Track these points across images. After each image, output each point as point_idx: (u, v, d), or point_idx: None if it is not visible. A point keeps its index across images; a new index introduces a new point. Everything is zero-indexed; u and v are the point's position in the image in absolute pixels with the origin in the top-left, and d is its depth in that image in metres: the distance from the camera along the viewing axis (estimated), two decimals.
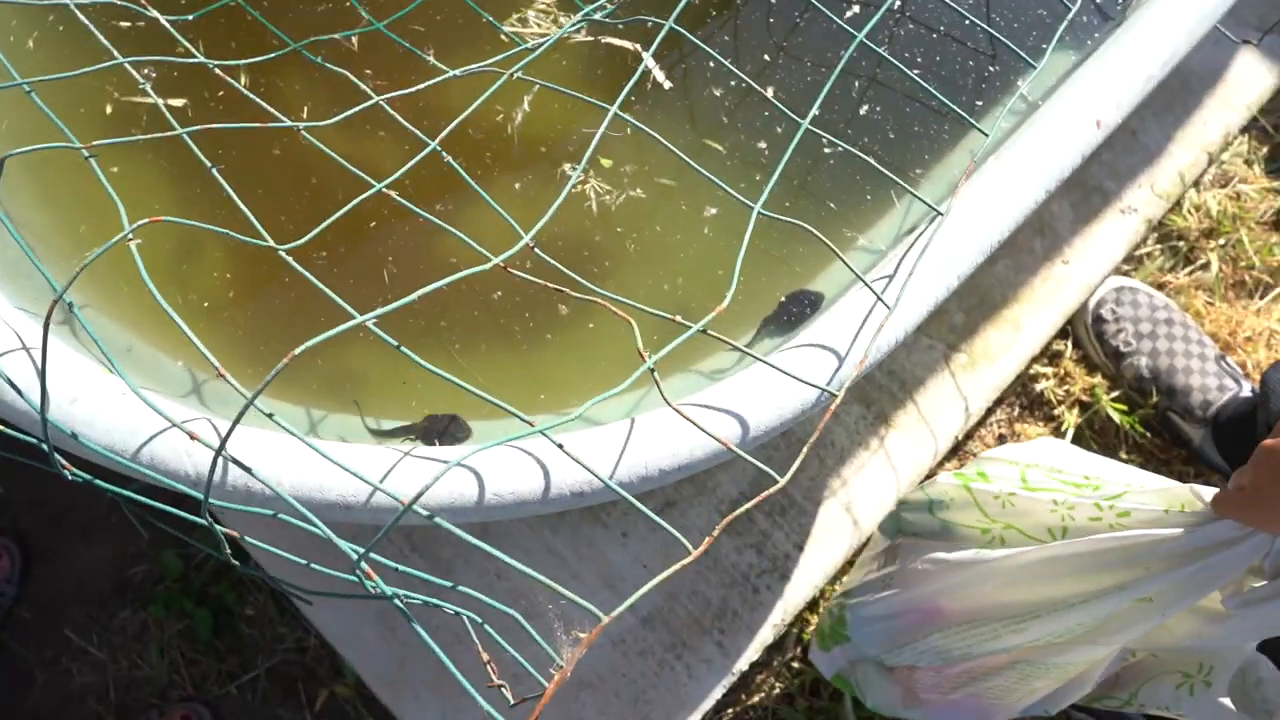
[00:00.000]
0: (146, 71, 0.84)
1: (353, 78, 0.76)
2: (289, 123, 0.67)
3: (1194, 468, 1.19)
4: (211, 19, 0.81)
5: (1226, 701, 0.72)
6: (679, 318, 0.60)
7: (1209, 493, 0.67)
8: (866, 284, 0.64)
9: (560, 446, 0.56)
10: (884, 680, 0.94)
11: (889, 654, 0.90)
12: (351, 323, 0.48)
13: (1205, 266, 1.27)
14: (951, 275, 0.69)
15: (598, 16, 0.77)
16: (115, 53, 0.66)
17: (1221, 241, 1.27)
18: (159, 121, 0.78)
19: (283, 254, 0.58)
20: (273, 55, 0.78)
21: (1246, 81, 1.28)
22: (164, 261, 0.80)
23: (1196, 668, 0.73)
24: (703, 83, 0.85)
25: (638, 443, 0.63)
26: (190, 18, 0.77)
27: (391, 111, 0.72)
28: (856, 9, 0.88)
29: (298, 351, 0.44)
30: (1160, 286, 1.26)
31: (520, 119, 0.84)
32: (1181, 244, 1.27)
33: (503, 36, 0.82)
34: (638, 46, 0.83)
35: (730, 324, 0.78)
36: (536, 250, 0.61)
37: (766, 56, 0.87)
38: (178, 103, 0.83)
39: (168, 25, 0.72)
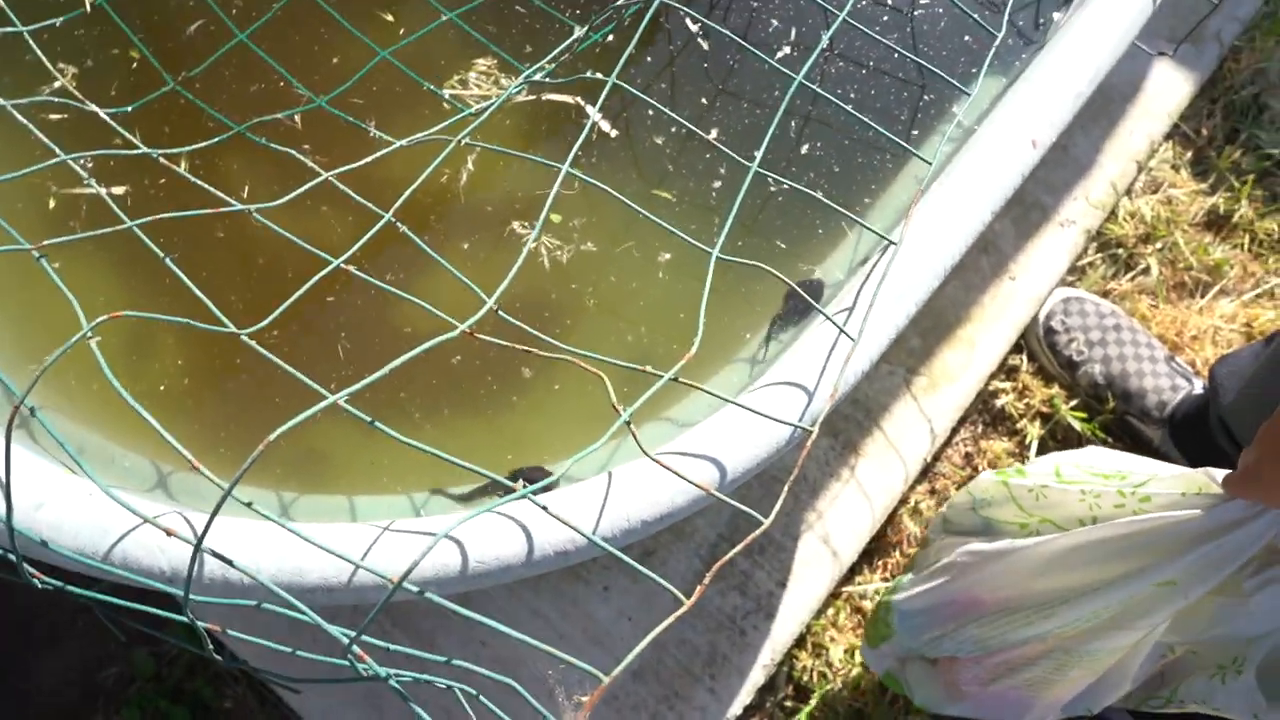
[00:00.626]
0: (84, 161, 0.83)
1: (299, 156, 0.76)
2: (239, 206, 0.67)
3: None
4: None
5: (1254, 689, 0.73)
6: (649, 368, 0.60)
7: (1222, 474, 0.69)
8: (829, 318, 0.64)
9: (545, 509, 0.55)
10: (929, 675, 0.94)
11: (930, 646, 0.91)
12: (324, 403, 0.48)
13: (1146, 271, 1.30)
14: (910, 302, 0.70)
15: (538, 78, 0.78)
16: (58, 150, 0.65)
17: (1158, 245, 1.31)
18: (100, 211, 0.77)
19: (245, 339, 0.57)
20: (216, 140, 0.77)
21: (1165, 91, 1.33)
22: (115, 353, 0.79)
23: (1230, 659, 0.75)
24: (645, 131, 0.86)
25: (618, 496, 0.63)
26: (129, 109, 0.77)
27: (342, 187, 0.72)
28: (788, 49, 0.90)
29: (272, 437, 0.43)
30: (1105, 294, 1.29)
31: (465, 180, 0.84)
32: (1121, 251, 1.31)
33: (444, 104, 0.83)
34: (579, 100, 0.84)
35: (698, 366, 0.78)
36: (500, 313, 0.61)
37: (704, 100, 0.89)
38: (119, 190, 0.82)
39: (107, 119, 0.72)
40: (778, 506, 0.57)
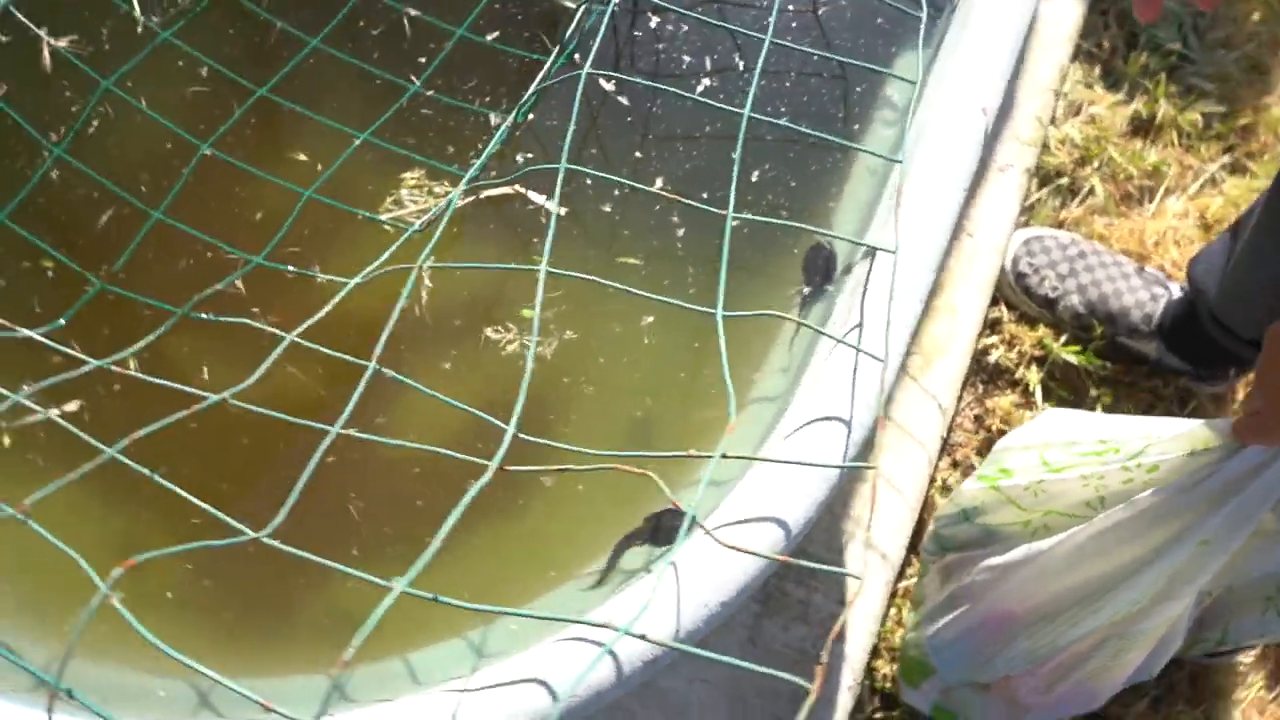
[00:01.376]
0: (25, 388, 0.77)
1: (252, 323, 0.72)
2: (213, 397, 0.62)
3: (1161, 379, 1.22)
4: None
5: None
6: (693, 451, 0.57)
7: (1224, 424, 0.67)
8: (858, 349, 0.62)
9: (644, 637, 0.52)
10: (983, 699, 0.92)
11: (980, 671, 0.88)
12: (389, 599, 0.44)
13: (1091, 192, 1.31)
14: (915, 303, 0.68)
15: (476, 175, 0.75)
16: (5, 392, 0.61)
17: (1095, 165, 1.32)
18: (60, 434, 0.72)
19: (266, 540, 0.53)
20: (161, 330, 0.73)
21: (1058, 18, 1.34)
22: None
23: (1275, 589, 0.74)
24: (590, 202, 0.83)
25: (690, 588, 0.59)
26: (62, 322, 0.72)
27: (309, 344, 0.68)
28: (707, 80, 0.89)
29: (348, 656, 0.39)
30: (1060, 224, 1.29)
31: (426, 299, 0.80)
32: (1063, 180, 1.31)
33: (387, 228, 0.79)
34: (518, 187, 0.81)
35: (719, 422, 0.75)
36: (522, 436, 0.57)
37: (638, 154, 0.86)
38: (72, 407, 0.77)
39: (44, 340, 0.67)
40: (861, 556, 0.54)
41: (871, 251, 0.71)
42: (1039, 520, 0.80)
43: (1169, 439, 0.70)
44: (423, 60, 0.88)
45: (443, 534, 0.48)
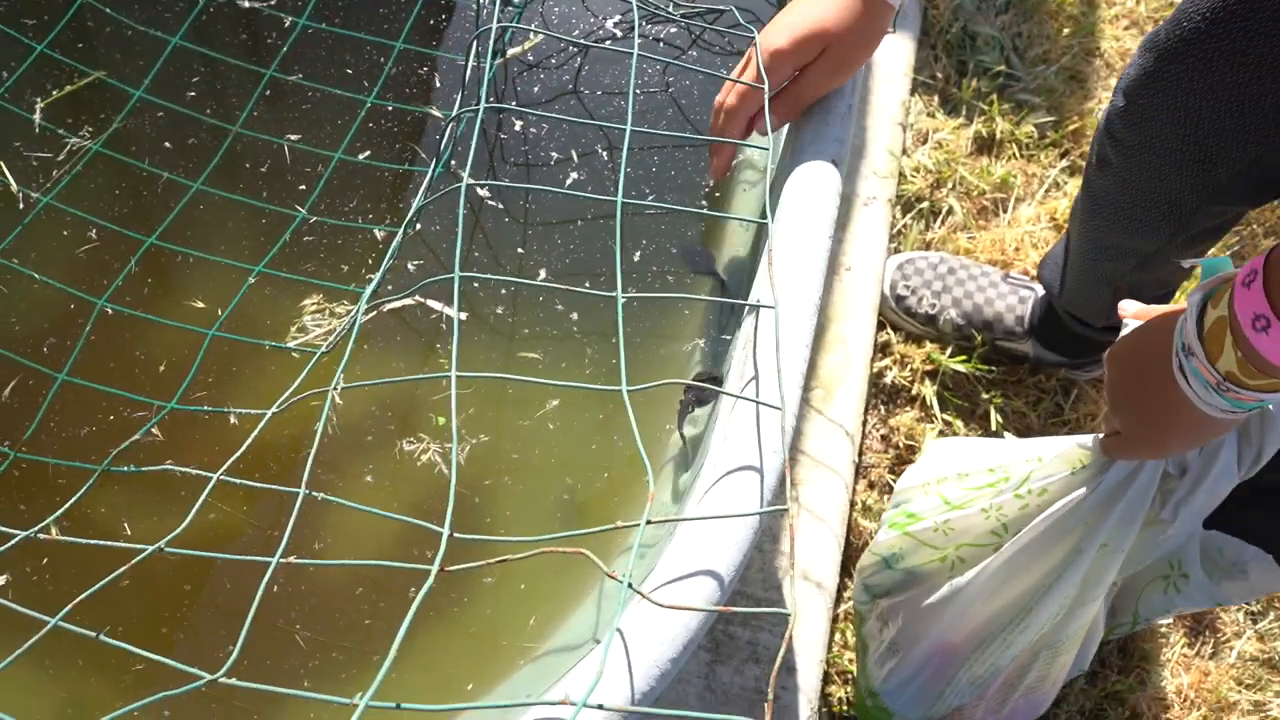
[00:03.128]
0: None
1: (174, 469, 0.73)
2: (147, 549, 0.63)
3: (1043, 374, 1.30)
4: None
5: (1206, 581, 0.79)
6: (619, 522, 0.60)
7: (1095, 442, 0.75)
8: (757, 401, 0.66)
9: (601, 706, 0.55)
10: None
11: (934, 707, 0.93)
12: (356, 716, 0.46)
13: (950, 212, 1.40)
14: (801, 347, 0.73)
15: (381, 298, 0.78)
16: None
17: (950, 186, 1.41)
18: None
19: (224, 681, 0.54)
20: (82, 491, 0.74)
21: (892, 57, 1.44)
22: None
23: (1169, 567, 0.80)
24: (485, 304, 0.87)
25: (639, 651, 0.62)
26: None
27: (238, 481, 0.69)
28: (575, 175, 0.94)
29: None
30: (927, 246, 1.38)
31: (337, 418, 0.82)
32: (924, 204, 1.40)
33: (294, 354, 0.81)
34: (419, 298, 0.84)
35: (639, 488, 0.79)
36: (456, 535, 0.60)
37: (520, 250, 0.90)
38: None
39: None
40: (790, 591, 0.58)
41: (755, 308, 0.76)
42: (953, 554, 0.86)
43: (1049, 461, 0.77)
44: (303, 188, 0.91)
45: (398, 643, 0.50)
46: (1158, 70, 0.83)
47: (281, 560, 0.60)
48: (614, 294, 0.70)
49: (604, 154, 0.94)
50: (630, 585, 0.57)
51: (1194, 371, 0.60)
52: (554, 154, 0.94)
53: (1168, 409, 0.64)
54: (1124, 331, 0.70)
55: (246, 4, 1.01)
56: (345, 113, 0.95)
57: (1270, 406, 0.61)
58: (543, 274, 0.88)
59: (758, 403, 0.69)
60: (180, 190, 0.89)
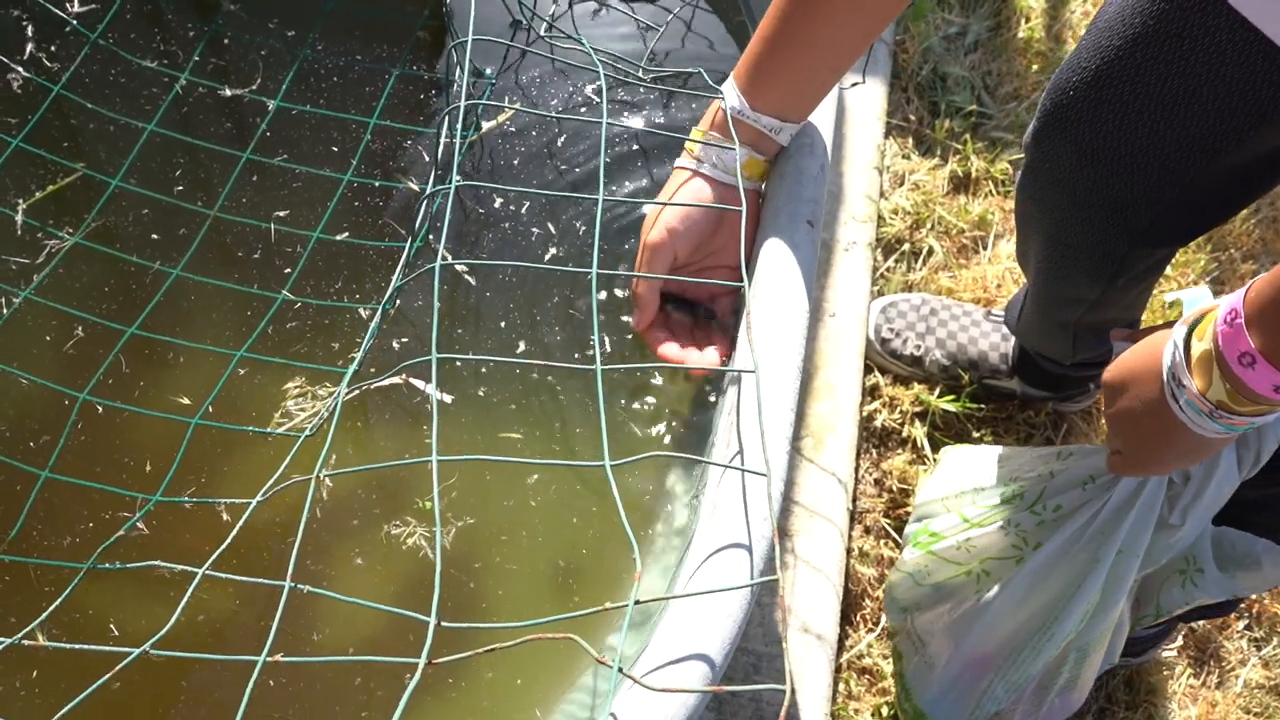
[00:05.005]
0: None
1: (161, 564, 0.73)
2: (135, 651, 0.63)
3: (1031, 409, 1.30)
4: None
5: (1220, 574, 0.81)
6: (607, 604, 0.60)
7: (1099, 457, 0.79)
8: (742, 469, 0.66)
9: None
10: None
11: (974, 715, 0.95)
12: None
13: (930, 253, 1.41)
14: (787, 410, 0.73)
15: (364, 381, 0.78)
16: None
17: (929, 227, 1.42)
18: None
19: None
20: (69, 590, 0.73)
21: (865, 103, 1.46)
22: None
23: (1185, 563, 0.83)
24: (466, 384, 0.87)
25: None
26: None
27: (223, 575, 0.69)
28: (554, 250, 0.94)
29: None
30: (910, 288, 1.39)
31: (326, 500, 0.82)
32: (904, 246, 1.41)
33: (281, 437, 0.81)
34: (405, 377, 0.84)
35: (626, 566, 0.79)
36: (443, 624, 0.60)
37: (504, 323, 0.90)
38: None
39: None
40: (789, 666, 0.58)
41: (737, 376, 0.76)
42: (978, 568, 0.90)
43: (1062, 478, 0.82)
44: (289, 270, 0.91)
45: None
46: (1048, 133, 0.85)
47: (268, 659, 0.60)
48: (592, 368, 0.70)
49: (580, 227, 0.94)
50: (620, 670, 0.56)
51: (1187, 402, 0.62)
52: (534, 229, 0.95)
53: (1164, 431, 0.66)
54: (1115, 353, 0.71)
55: (229, 92, 1.02)
56: (333, 192, 0.96)
57: (1273, 418, 0.64)
58: (522, 347, 0.88)
59: (743, 470, 0.69)
60: (167, 282, 0.89)
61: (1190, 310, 0.64)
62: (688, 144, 0.77)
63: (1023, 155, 0.90)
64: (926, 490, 0.95)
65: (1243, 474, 0.74)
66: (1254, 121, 0.74)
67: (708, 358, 0.78)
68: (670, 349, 0.78)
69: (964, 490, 0.91)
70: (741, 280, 0.75)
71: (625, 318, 0.90)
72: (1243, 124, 0.74)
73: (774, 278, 0.79)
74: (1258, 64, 0.70)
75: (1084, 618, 0.84)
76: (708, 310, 0.81)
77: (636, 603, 0.59)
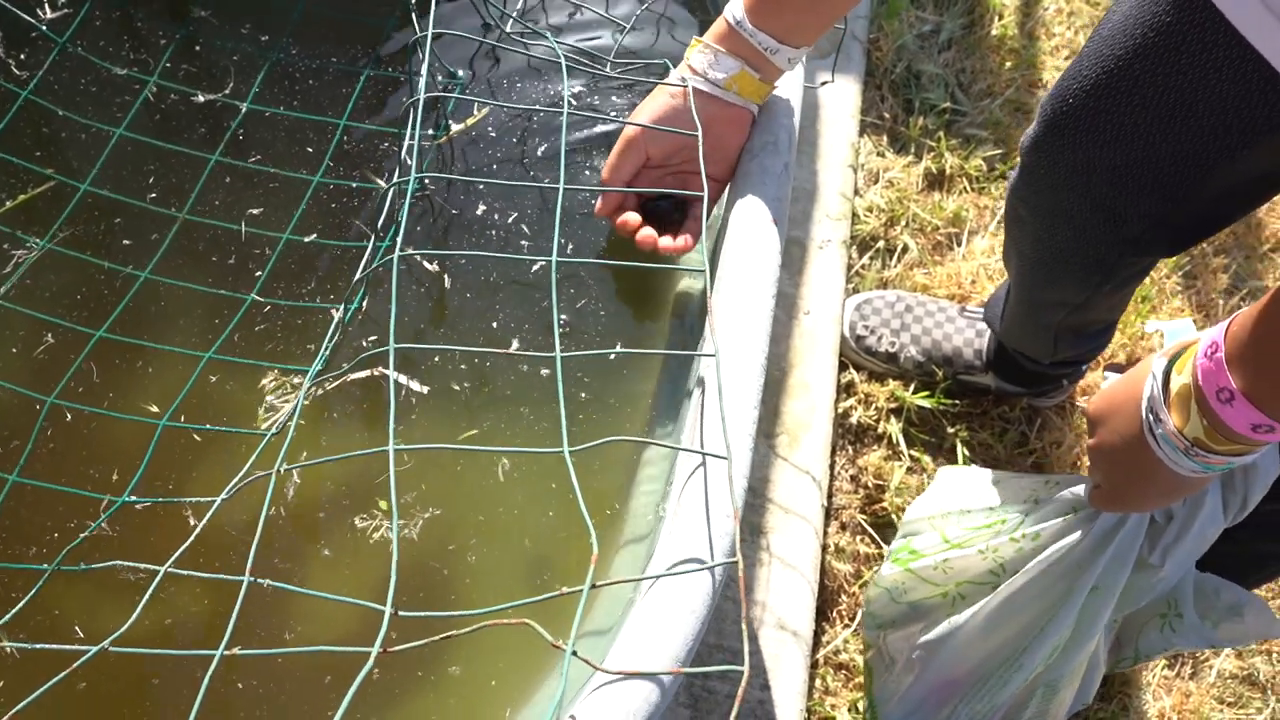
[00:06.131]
0: None
1: (124, 564, 0.73)
2: (92, 649, 0.63)
3: (1006, 404, 1.31)
4: None
5: (1199, 623, 0.80)
6: (563, 589, 0.60)
7: (1082, 489, 0.78)
8: (703, 453, 0.67)
9: None
10: None
11: None
12: None
13: (905, 250, 1.42)
14: (751, 393, 0.74)
15: (329, 374, 0.78)
16: None
17: (903, 224, 1.43)
18: None
19: None
20: (33, 592, 0.73)
21: (839, 101, 1.47)
22: None
23: (1166, 606, 0.82)
24: (447, 375, 0.87)
25: None
26: None
27: (184, 572, 0.69)
28: (526, 244, 0.95)
29: None
30: (884, 285, 1.40)
31: (291, 495, 0.82)
32: (879, 244, 1.42)
33: (250, 437, 0.82)
34: (382, 370, 0.85)
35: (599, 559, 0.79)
36: (401, 614, 0.60)
37: (476, 319, 0.90)
38: None
39: None
40: (746, 646, 0.58)
41: (703, 361, 0.77)
42: (954, 591, 0.89)
43: (1044, 508, 0.81)
44: (259, 273, 0.92)
45: None
46: (1048, 140, 0.85)
47: (225, 652, 0.60)
48: (552, 354, 0.70)
49: (563, 241, 0.95)
50: (575, 654, 0.56)
51: (1164, 437, 0.61)
52: (509, 223, 0.95)
53: (1143, 469, 0.65)
54: (1104, 385, 0.71)
55: (202, 98, 1.02)
56: (311, 193, 0.97)
57: (1251, 459, 0.63)
58: (481, 341, 0.88)
59: (704, 454, 0.69)
60: (144, 286, 0.90)
61: (1171, 342, 0.63)
62: (686, 54, 0.82)
63: (1018, 157, 0.91)
64: (916, 508, 0.94)
65: (1228, 519, 0.73)
66: (1248, 139, 0.74)
67: (675, 243, 0.83)
68: (632, 216, 0.84)
69: (950, 511, 0.90)
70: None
71: (601, 312, 0.90)
72: (1237, 141, 0.74)
73: (738, 269, 0.79)
74: (1253, 82, 0.70)
75: (1054, 652, 0.82)
76: (682, 213, 0.86)
77: (593, 586, 0.60)
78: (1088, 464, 0.76)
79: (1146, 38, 0.74)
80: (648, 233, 0.83)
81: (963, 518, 0.88)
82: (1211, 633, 0.81)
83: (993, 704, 0.88)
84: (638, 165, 0.83)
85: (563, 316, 0.89)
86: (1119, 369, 0.70)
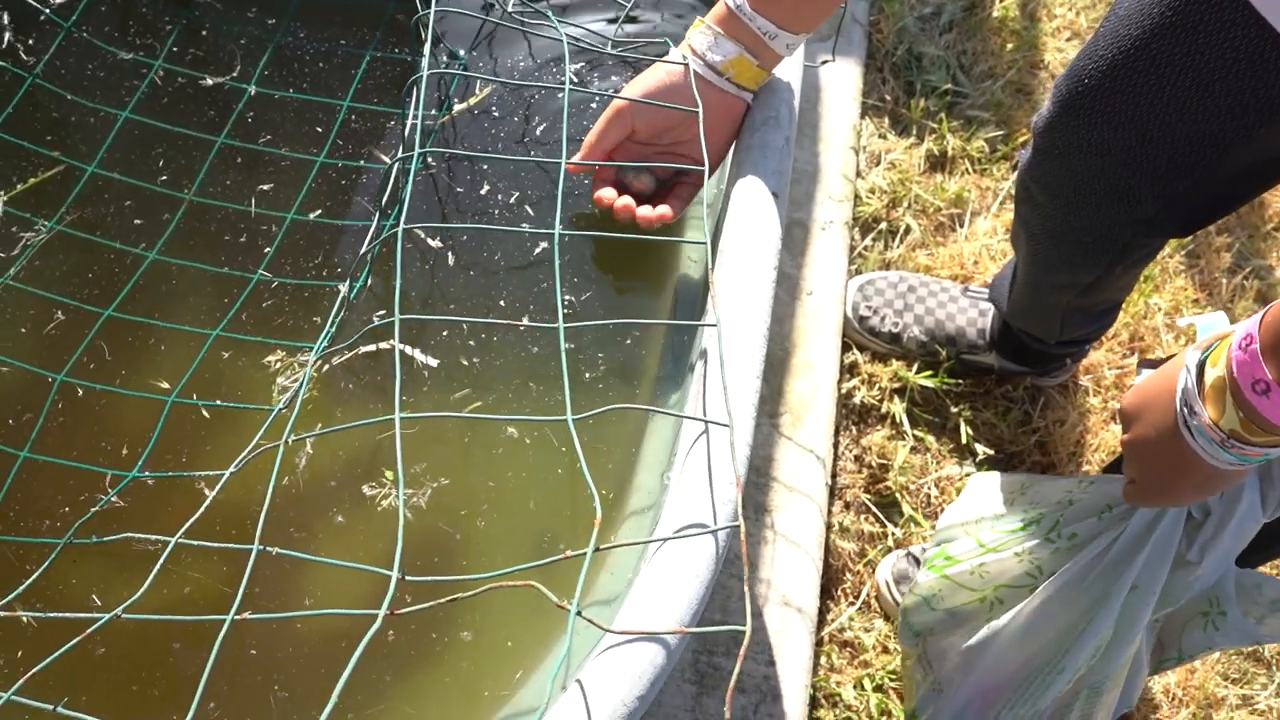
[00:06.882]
0: None
1: (135, 535, 0.74)
2: (106, 617, 0.64)
3: (1009, 383, 1.32)
4: None
5: (1242, 619, 0.80)
6: (567, 552, 0.61)
7: (1118, 486, 0.77)
8: (705, 420, 0.68)
9: None
10: None
11: None
12: None
13: (908, 231, 1.42)
14: (754, 362, 0.74)
15: (328, 345, 0.79)
16: None
17: (906, 205, 1.44)
18: None
19: None
20: (46, 565, 0.74)
21: (840, 83, 1.47)
22: None
23: (1207, 604, 0.81)
24: (456, 350, 0.88)
25: (602, 692, 0.63)
26: None
27: (195, 543, 0.70)
28: (527, 226, 0.95)
29: None
30: (887, 265, 1.40)
31: (304, 466, 0.83)
32: (881, 225, 1.42)
33: (262, 411, 0.83)
34: (395, 343, 0.86)
35: (607, 525, 0.80)
36: (408, 578, 0.61)
37: (482, 295, 0.91)
38: None
39: None
40: (748, 607, 0.59)
41: (705, 331, 0.77)
42: (991, 595, 0.88)
43: (1079, 507, 0.81)
44: (268, 250, 0.93)
45: (339, 689, 0.50)
46: (1062, 121, 0.85)
47: (236, 617, 0.61)
48: (555, 325, 0.71)
49: (553, 197, 0.96)
50: (580, 614, 0.57)
51: (1199, 429, 0.61)
52: (511, 202, 0.96)
53: (1179, 462, 0.65)
54: (1136, 380, 0.70)
55: (209, 81, 1.03)
56: (319, 172, 0.98)
57: None
58: (491, 317, 0.89)
59: (706, 421, 0.70)
60: (154, 266, 0.91)
61: (1204, 335, 0.63)
62: (688, 34, 0.82)
63: (1030, 138, 0.91)
64: (949, 515, 0.94)
65: (1267, 514, 0.72)
66: (1265, 118, 0.74)
67: (654, 213, 0.84)
68: (607, 192, 0.85)
69: (984, 516, 0.90)
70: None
71: (604, 291, 0.91)
72: (1254, 121, 0.74)
73: (740, 240, 0.80)
74: (1271, 61, 0.71)
75: (1096, 653, 0.82)
76: (664, 195, 0.87)
77: (596, 549, 0.60)
78: (1098, 450, 0.76)
79: (1164, 17, 0.74)
80: (625, 201, 0.83)
81: (997, 522, 0.88)
82: (1256, 629, 0.80)
83: (1036, 708, 0.87)
84: (621, 137, 0.84)
85: (567, 297, 0.90)
86: (1152, 364, 0.70)
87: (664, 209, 0.84)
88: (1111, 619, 0.78)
